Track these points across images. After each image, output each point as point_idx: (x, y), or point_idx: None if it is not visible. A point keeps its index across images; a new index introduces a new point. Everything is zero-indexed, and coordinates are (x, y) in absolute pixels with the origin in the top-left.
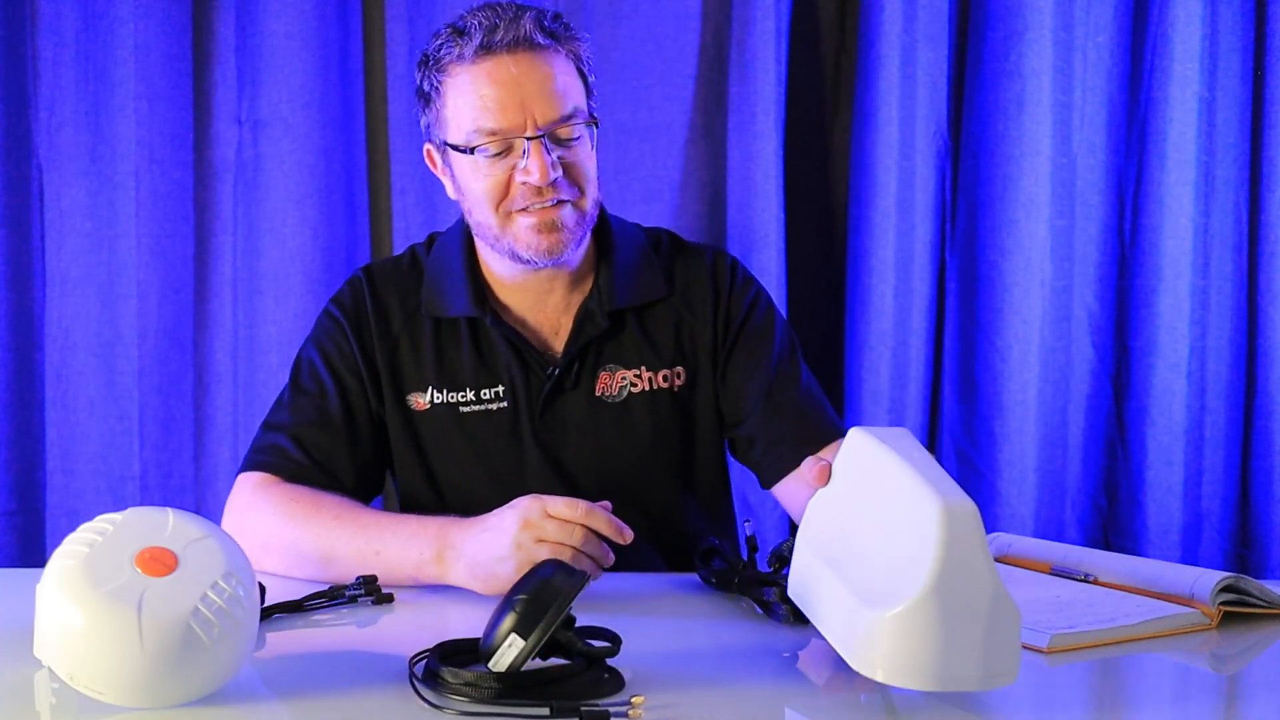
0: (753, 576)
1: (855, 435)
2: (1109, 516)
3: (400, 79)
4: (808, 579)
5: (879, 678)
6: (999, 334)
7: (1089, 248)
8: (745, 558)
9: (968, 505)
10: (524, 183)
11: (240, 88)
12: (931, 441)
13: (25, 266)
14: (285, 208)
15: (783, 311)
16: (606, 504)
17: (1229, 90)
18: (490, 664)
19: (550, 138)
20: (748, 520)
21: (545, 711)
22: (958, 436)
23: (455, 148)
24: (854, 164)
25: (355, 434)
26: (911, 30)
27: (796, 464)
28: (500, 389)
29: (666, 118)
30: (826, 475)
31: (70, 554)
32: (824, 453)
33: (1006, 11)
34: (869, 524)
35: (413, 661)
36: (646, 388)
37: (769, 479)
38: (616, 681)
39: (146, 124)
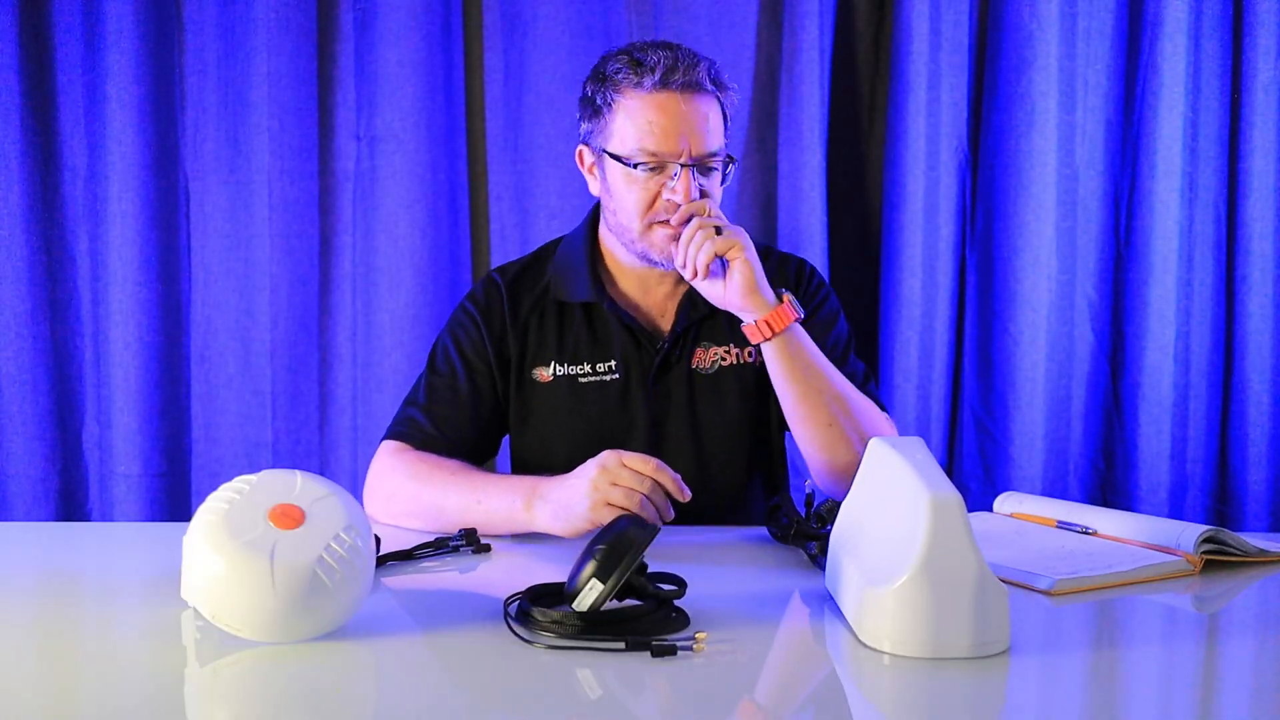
0: (805, 531)
1: (874, 445)
2: (1106, 477)
3: (496, 101)
4: (835, 570)
5: (885, 648)
6: (1012, 320)
7: (1089, 246)
8: (804, 514)
9: (953, 496)
10: (669, 199)
11: (359, 108)
12: (953, 412)
13: (173, 263)
14: (397, 212)
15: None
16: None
17: (1210, 111)
18: (574, 605)
19: (698, 166)
20: (808, 479)
21: (621, 646)
22: (976, 408)
23: (616, 157)
24: (887, 174)
25: (478, 409)
26: (936, 59)
27: None
28: (613, 363)
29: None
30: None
31: (212, 510)
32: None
33: (1018, 44)
34: (879, 518)
35: (507, 603)
36: (734, 362)
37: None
38: (683, 620)
39: (278, 140)
